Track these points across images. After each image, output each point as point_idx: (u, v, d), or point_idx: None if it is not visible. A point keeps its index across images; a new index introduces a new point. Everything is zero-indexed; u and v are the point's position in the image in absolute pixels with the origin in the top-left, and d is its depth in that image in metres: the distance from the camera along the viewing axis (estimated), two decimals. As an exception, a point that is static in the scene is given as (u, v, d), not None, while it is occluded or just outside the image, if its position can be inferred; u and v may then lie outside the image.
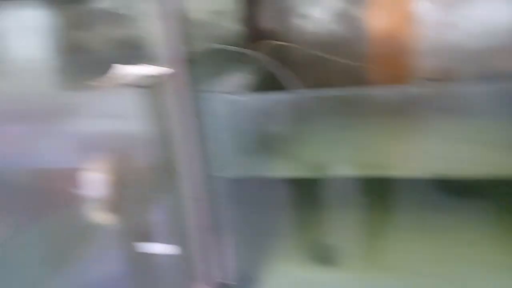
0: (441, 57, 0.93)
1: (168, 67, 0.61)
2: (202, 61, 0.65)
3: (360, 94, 0.70)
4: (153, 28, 0.65)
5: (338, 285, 0.71)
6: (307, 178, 0.73)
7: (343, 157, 0.71)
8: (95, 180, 0.69)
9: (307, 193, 0.80)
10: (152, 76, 0.64)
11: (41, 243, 0.79)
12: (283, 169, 0.72)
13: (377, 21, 0.94)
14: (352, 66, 0.95)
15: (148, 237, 0.70)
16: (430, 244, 0.78)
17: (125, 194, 0.70)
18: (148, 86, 0.62)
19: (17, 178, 0.77)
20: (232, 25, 1.02)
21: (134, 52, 1.03)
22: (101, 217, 0.71)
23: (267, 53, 0.90)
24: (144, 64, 0.66)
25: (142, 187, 0.68)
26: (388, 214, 0.87)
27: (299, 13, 1.00)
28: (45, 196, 0.74)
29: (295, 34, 1.01)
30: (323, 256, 0.77)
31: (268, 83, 0.77)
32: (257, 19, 1.03)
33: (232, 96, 0.68)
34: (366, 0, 0.95)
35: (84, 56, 1.03)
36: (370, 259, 0.77)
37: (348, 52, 0.96)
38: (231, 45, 0.90)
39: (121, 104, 0.65)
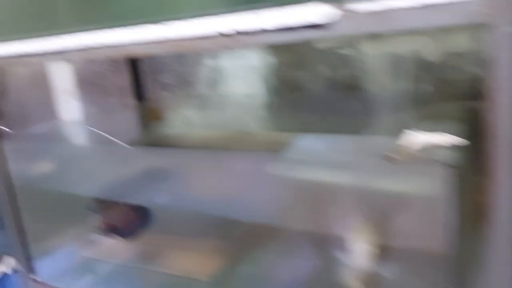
0: None
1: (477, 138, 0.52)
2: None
3: None
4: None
5: None
6: None
7: None
8: (358, 248, 0.63)
9: None
10: (452, 148, 0.55)
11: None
12: None
13: None
14: None
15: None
16: None
17: (391, 272, 0.63)
18: (448, 163, 0.53)
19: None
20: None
21: (358, 95, 0.97)
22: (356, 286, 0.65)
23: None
24: (439, 132, 0.58)
25: (415, 269, 0.60)
26: None
27: None
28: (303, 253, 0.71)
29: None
30: None
31: None
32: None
33: None
34: None
35: (306, 96, 1.00)
36: None
37: None
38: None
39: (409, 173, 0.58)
